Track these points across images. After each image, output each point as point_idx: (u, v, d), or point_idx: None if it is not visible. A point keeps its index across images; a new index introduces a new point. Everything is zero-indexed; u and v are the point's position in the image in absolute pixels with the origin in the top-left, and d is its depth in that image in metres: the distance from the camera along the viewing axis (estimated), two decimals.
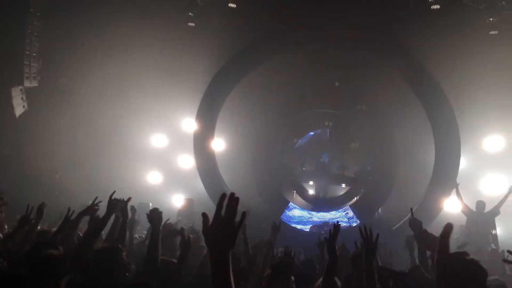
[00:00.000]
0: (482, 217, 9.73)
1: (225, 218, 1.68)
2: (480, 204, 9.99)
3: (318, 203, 13.40)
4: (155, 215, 4.06)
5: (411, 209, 4.67)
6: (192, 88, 11.59)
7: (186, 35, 11.19)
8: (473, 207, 10.05)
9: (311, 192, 14.17)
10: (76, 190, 10.80)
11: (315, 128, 14.15)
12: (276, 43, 11.63)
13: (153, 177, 12.65)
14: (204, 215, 1.75)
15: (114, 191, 4.45)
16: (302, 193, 13.83)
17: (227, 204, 1.70)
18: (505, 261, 3.14)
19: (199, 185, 11.61)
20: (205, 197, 11.14)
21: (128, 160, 12.15)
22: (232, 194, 1.72)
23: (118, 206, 4.56)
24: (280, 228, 5.87)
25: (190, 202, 11.38)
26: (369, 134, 12.99)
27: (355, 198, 13.35)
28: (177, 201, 12.06)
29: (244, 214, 1.76)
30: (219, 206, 1.70)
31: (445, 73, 10.70)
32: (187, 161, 12.53)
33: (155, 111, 12.23)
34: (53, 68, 11.23)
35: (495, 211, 9.73)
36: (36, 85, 10.95)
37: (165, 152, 12.77)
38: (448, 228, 2.81)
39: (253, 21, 11.03)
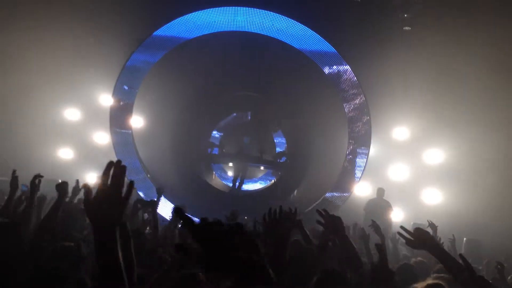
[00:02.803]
0: (380, 203, 10.36)
1: (109, 189, 1.49)
2: (380, 191, 10.70)
3: (236, 184, 13.57)
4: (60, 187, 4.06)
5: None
6: (110, 62, 11.02)
7: (105, 6, 10.53)
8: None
9: (230, 174, 14.28)
10: None
11: (235, 111, 14.20)
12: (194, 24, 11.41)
13: (65, 153, 11.90)
14: (85, 186, 1.54)
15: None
16: (221, 175, 13.92)
17: (113, 173, 1.50)
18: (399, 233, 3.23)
19: None
20: None
21: (36, 135, 11.31)
22: (118, 162, 1.52)
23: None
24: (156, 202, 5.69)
25: None
26: (286, 118, 13.28)
27: (273, 180, 13.71)
28: (91, 179, 11.47)
29: (131, 183, 1.55)
30: (104, 176, 1.51)
31: (360, 63, 11.23)
32: (102, 137, 11.93)
33: (68, 84, 11.45)
34: None
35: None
36: None
37: (78, 127, 12.04)
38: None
39: None
